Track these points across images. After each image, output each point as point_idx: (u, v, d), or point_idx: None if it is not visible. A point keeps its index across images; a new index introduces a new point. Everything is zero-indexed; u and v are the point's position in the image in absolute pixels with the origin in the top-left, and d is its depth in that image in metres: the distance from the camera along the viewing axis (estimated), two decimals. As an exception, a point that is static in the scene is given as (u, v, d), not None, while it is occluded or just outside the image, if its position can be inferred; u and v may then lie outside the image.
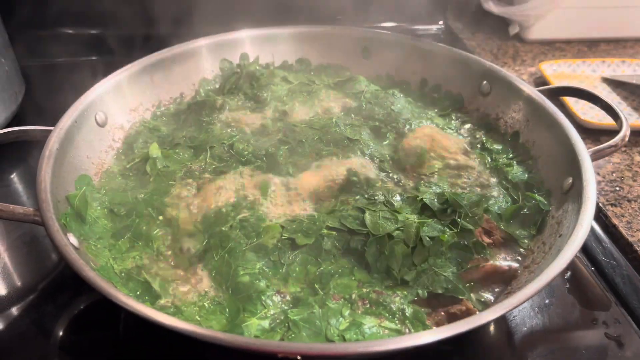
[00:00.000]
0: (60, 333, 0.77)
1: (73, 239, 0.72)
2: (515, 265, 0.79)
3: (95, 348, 0.76)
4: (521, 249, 0.82)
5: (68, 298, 0.82)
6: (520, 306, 0.80)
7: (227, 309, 0.71)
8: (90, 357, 0.75)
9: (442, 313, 0.72)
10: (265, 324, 0.67)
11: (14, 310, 0.81)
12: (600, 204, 1.00)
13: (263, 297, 0.71)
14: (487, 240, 0.81)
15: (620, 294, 0.85)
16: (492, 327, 0.79)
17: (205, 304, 0.71)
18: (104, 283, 0.61)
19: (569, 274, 0.87)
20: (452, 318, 0.70)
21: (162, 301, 0.72)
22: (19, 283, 0.86)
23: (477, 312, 0.70)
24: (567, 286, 0.85)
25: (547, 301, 0.82)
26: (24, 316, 0.80)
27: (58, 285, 0.85)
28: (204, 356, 0.73)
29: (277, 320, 0.68)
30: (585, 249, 0.93)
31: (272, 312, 0.69)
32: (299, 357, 0.54)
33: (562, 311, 0.81)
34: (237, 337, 0.56)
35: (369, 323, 0.69)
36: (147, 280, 0.74)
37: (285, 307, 0.71)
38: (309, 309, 0.69)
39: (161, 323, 0.57)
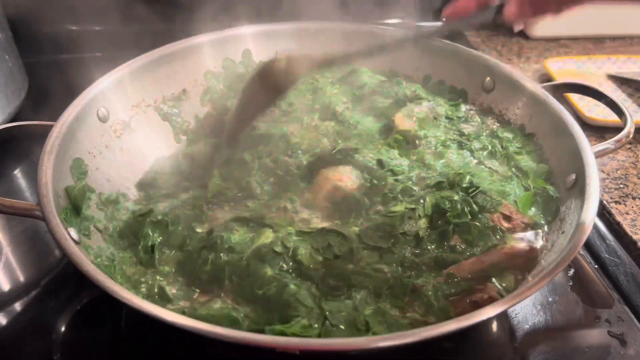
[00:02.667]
0: (63, 329, 0.77)
1: (74, 234, 0.72)
2: (535, 245, 0.78)
3: (97, 344, 0.76)
4: (540, 234, 0.81)
5: (70, 293, 0.82)
6: (522, 303, 0.80)
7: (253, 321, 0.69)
8: (92, 352, 0.75)
9: (467, 301, 0.71)
10: (305, 321, 0.65)
11: (16, 306, 0.81)
12: (604, 202, 0.99)
13: (300, 298, 0.69)
14: (506, 225, 0.80)
15: (623, 291, 0.84)
16: (493, 325, 0.79)
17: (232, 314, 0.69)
18: (103, 277, 0.61)
19: (572, 271, 0.87)
20: (475, 306, 0.69)
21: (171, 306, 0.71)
22: (21, 278, 0.86)
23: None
24: (570, 284, 0.85)
25: (549, 299, 0.82)
26: (26, 311, 0.81)
27: (60, 281, 0.85)
28: (205, 353, 0.73)
29: (315, 315, 0.67)
30: (588, 247, 0.93)
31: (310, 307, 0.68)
32: (297, 352, 0.53)
33: (565, 309, 0.81)
34: (235, 332, 0.55)
35: (393, 312, 0.68)
36: (161, 285, 0.74)
37: (318, 299, 0.70)
38: (339, 298, 0.70)
39: (157, 316, 0.57)
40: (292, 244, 0.75)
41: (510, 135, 0.99)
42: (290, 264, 0.73)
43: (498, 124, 1.03)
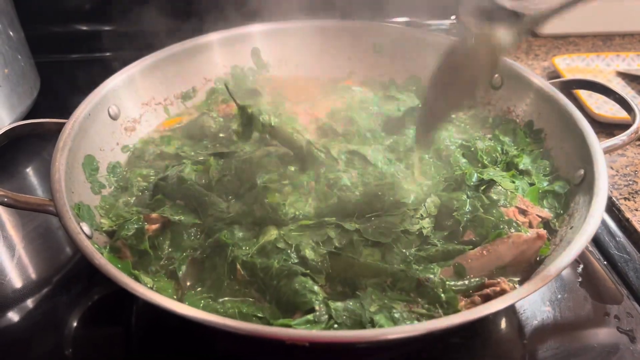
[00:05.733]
0: (74, 324, 0.78)
1: (86, 228, 0.73)
2: (543, 231, 0.77)
3: (108, 339, 0.77)
4: (552, 227, 0.82)
5: (82, 290, 0.83)
6: (531, 299, 0.80)
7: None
8: (104, 348, 0.76)
9: (477, 296, 0.70)
10: (310, 316, 0.65)
11: (29, 302, 0.82)
12: (613, 198, 0.99)
13: (309, 286, 0.69)
14: (522, 219, 0.80)
15: (632, 287, 0.84)
16: (502, 321, 0.79)
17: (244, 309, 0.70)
18: (115, 270, 0.62)
19: (581, 267, 0.87)
20: (486, 299, 0.69)
21: None
22: (33, 275, 0.87)
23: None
24: (579, 280, 0.85)
25: (558, 295, 0.82)
26: (38, 307, 0.81)
27: (72, 277, 0.86)
28: (215, 347, 0.74)
29: (323, 313, 0.66)
30: (598, 243, 0.92)
31: (317, 302, 0.67)
32: (307, 344, 0.54)
33: (574, 305, 0.80)
34: (245, 324, 0.56)
35: (399, 307, 0.68)
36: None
37: (326, 297, 0.70)
38: (345, 297, 0.70)
39: (168, 309, 0.58)
40: (293, 240, 0.75)
41: (509, 138, 0.99)
42: (295, 258, 0.74)
43: (499, 129, 1.03)
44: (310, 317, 0.64)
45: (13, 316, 0.80)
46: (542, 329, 0.77)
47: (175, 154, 0.96)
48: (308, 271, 0.71)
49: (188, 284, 0.75)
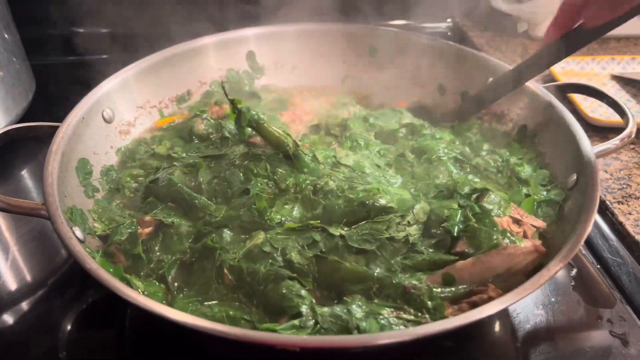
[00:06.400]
0: (68, 327, 0.78)
1: (79, 233, 0.74)
2: (542, 247, 0.74)
3: (102, 343, 0.77)
4: (546, 236, 0.81)
5: (76, 293, 0.83)
6: (524, 303, 0.80)
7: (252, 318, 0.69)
8: (98, 351, 0.76)
9: (464, 304, 0.69)
10: (296, 321, 0.65)
11: (23, 305, 0.82)
12: (607, 202, 0.99)
13: (296, 290, 0.69)
14: (516, 229, 0.78)
15: (625, 291, 0.84)
16: (495, 324, 0.79)
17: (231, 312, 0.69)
18: (106, 275, 0.62)
19: (574, 271, 0.87)
20: (474, 307, 0.67)
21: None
22: (27, 277, 0.87)
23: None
24: (572, 284, 0.85)
25: (552, 299, 0.82)
26: (32, 310, 0.82)
27: (66, 280, 0.86)
28: (207, 351, 0.74)
29: (309, 318, 0.65)
30: (591, 246, 0.93)
31: (305, 306, 0.67)
32: (297, 349, 0.54)
33: (567, 308, 0.81)
34: (236, 329, 0.56)
35: (386, 314, 0.67)
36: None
37: (313, 301, 0.69)
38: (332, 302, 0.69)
39: (160, 314, 0.58)
40: (279, 243, 0.74)
41: (506, 150, 0.99)
42: (281, 261, 0.73)
43: (495, 142, 1.02)
44: (296, 322, 0.64)
45: (7, 319, 0.80)
46: (535, 333, 0.77)
47: (167, 155, 0.95)
48: (295, 275, 0.71)
49: (176, 286, 0.74)
